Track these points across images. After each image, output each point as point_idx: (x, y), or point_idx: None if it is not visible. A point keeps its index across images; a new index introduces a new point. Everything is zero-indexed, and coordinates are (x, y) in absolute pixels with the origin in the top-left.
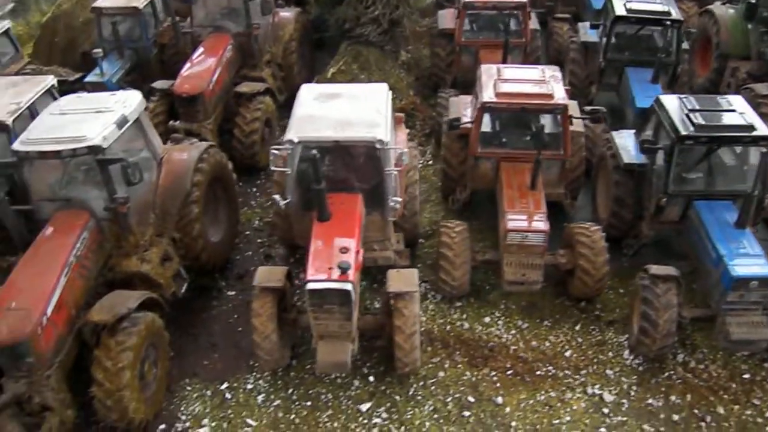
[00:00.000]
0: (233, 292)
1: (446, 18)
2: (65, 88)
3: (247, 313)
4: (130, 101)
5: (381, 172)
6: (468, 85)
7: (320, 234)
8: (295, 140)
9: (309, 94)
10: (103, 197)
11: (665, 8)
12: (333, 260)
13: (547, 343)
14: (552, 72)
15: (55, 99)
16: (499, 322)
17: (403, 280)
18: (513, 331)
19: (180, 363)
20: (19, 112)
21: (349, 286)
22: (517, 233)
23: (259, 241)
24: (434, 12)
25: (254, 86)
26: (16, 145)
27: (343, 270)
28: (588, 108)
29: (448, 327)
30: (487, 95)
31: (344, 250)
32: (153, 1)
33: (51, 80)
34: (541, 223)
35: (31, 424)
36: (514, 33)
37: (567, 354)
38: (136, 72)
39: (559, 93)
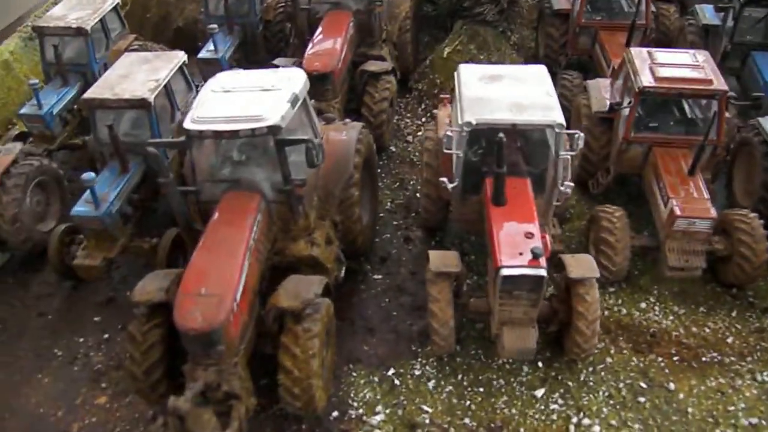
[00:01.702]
0: (379, 276)
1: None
2: None
3: (397, 296)
4: (295, 79)
5: (554, 156)
6: (583, 67)
7: (500, 219)
8: (473, 122)
9: (471, 75)
10: (275, 179)
11: None
12: (522, 245)
13: (707, 330)
14: (703, 57)
15: (185, 75)
16: (656, 308)
17: (582, 265)
18: (671, 317)
19: (340, 349)
20: (159, 89)
21: (543, 272)
22: (685, 219)
23: (395, 223)
24: None
25: (381, 65)
26: (188, 124)
27: (536, 255)
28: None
29: (606, 312)
30: (646, 80)
31: (529, 235)
32: None
33: (182, 56)
34: (708, 209)
35: (217, 412)
36: (637, 14)
37: (729, 341)
38: (242, 49)
39: (718, 78)
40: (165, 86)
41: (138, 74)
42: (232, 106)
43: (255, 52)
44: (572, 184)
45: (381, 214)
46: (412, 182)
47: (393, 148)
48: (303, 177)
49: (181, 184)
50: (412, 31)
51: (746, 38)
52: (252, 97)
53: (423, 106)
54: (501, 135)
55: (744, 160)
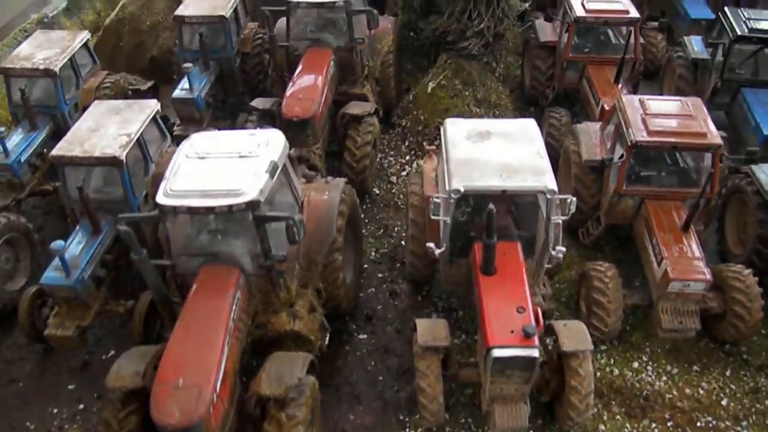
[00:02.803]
0: (364, 336)
1: (547, 30)
2: (137, 97)
3: (383, 358)
4: (274, 143)
5: (545, 220)
6: (570, 98)
7: (490, 290)
8: (462, 189)
9: (458, 132)
10: (255, 252)
11: None
12: (513, 322)
13: (701, 391)
14: (695, 104)
15: (158, 125)
16: (648, 368)
17: (575, 336)
18: (664, 378)
19: (325, 420)
20: (131, 144)
21: (535, 353)
22: (679, 282)
23: (379, 275)
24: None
25: (363, 107)
26: (161, 198)
27: (529, 335)
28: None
29: (599, 374)
30: (639, 133)
31: (521, 309)
32: (236, 8)
33: (155, 106)
34: (703, 272)
35: None
36: (626, 49)
37: (723, 403)
38: (218, 84)
39: (712, 130)
40: (138, 140)
41: (109, 127)
42: (208, 177)
43: (232, 87)
44: (564, 249)
45: (365, 266)
46: (396, 228)
47: (376, 190)
48: (284, 253)
49: None
50: (394, 66)
51: (736, 74)
52: (228, 166)
53: (407, 143)
54: (491, 207)
55: (736, 207)
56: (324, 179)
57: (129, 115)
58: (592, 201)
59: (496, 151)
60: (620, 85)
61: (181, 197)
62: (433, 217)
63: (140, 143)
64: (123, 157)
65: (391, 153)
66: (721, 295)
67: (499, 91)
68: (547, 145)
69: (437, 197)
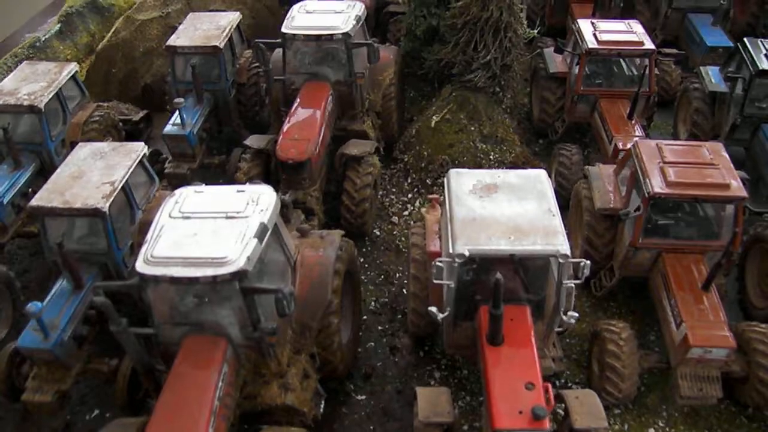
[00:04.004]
0: (362, 396)
1: (556, 60)
2: (129, 127)
3: (382, 422)
4: (264, 202)
5: (556, 284)
6: (581, 131)
7: (496, 363)
8: (467, 254)
9: (462, 185)
10: (244, 323)
11: None
12: (522, 401)
13: None
14: (716, 150)
15: (146, 168)
16: None
17: (588, 411)
18: None
19: None
20: (115, 194)
21: None
22: (700, 348)
23: (379, 328)
24: (528, 49)
25: (362, 147)
26: (141, 267)
27: (538, 417)
28: None
29: None
30: (657, 184)
31: (530, 385)
32: (231, 37)
33: (142, 149)
34: (726, 337)
35: None
36: (641, 82)
37: None
38: (213, 116)
39: (735, 181)
40: (122, 188)
41: (92, 174)
42: (191, 241)
43: (228, 120)
44: (577, 315)
45: (364, 317)
46: (398, 275)
47: (377, 232)
48: (274, 325)
49: None
50: (396, 98)
51: (757, 110)
52: (214, 229)
53: (409, 180)
54: (498, 276)
55: (758, 256)
56: (319, 233)
57: (114, 160)
58: (605, 250)
59: (503, 209)
60: (634, 121)
61: (162, 265)
62: (435, 281)
63: (125, 191)
64: (106, 209)
65: (393, 191)
66: (743, 356)
67: (506, 125)
68: (557, 184)
69: (440, 261)
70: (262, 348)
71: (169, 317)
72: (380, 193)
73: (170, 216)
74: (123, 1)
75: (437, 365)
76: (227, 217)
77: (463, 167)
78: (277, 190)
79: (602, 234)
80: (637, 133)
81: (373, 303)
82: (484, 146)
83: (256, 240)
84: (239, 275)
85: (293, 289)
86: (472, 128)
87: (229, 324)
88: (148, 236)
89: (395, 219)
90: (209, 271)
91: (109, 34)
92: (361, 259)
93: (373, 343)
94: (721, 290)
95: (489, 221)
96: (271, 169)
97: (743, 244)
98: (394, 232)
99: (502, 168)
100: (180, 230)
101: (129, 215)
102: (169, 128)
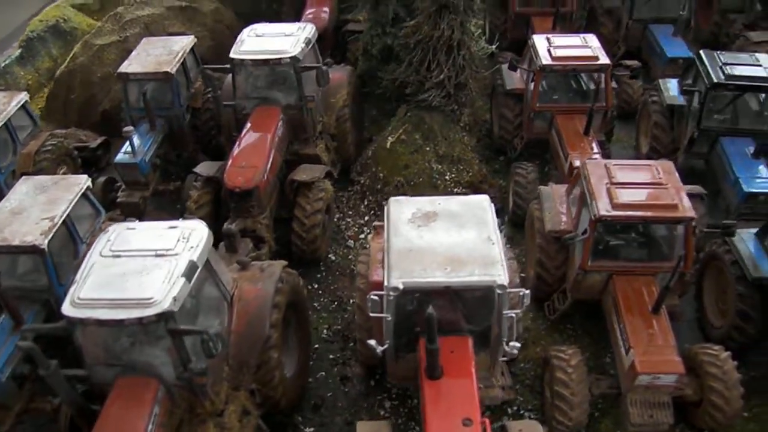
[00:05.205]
0: (311, 429)
1: (514, 77)
2: (86, 155)
3: None
4: (195, 238)
5: (496, 314)
6: (540, 147)
7: (435, 398)
8: (400, 287)
9: (401, 214)
10: (175, 362)
11: (766, 73)
12: None
13: None
14: (666, 170)
15: (90, 200)
16: None
17: None
18: None
19: None
20: (55, 229)
21: None
22: (648, 375)
23: (331, 356)
24: (490, 63)
25: (312, 173)
26: (67, 309)
27: None
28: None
29: None
30: (604, 207)
31: (467, 422)
32: (185, 61)
33: (85, 182)
34: (675, 362)
35: None
36: (596, 97)
37: None
38: (167, 143)
39: (684, 200)
40: (64, 222)
41: (32, 209)
42: (119, 281)
43: (182, 146)
44: (518, 345)
45: (316, 345)
46: (352, 301)
47: (332, 256)
48: (203, 365)
49: None
50: (351, 120)
51: (714, 124)
52: (143, 268)
53: (366, 203)
54: (430, 311)
55: (714, 275)
56: (260, 265)
57: (55, 194)
58: (557, 272)
59: (441, 238)
60: (590, 137)
61: (89, 308)
62: (371, 314)
63: (67, 225)
64: (44, 245)
65: (350, 213)
66: (696, 380)
67: (464, 143)
68: (514, 203)
69: (375, 294)
70: (195, 390)
71: (101, 358)
72: (336, 216)
73: (101, 255)
74: (86, 25)
75: (388, 394)
76: (157, 255)
77: (419, 188)
78: (227, 218)
79: (554, 256)
80: (594, 150)
81: (325, 331)
82: (440, 167)
83: (184, 279)
84: (165, 316)
85: (220, 330)
86: (428, 148)
87: (160, 364)
88: (78, 276)
89: (351, 243)
90: (135, 313)
91: (68, 59)
92: (315, 285)
93: (324, 373)
94: (676, 311)
95: (426, 252)
96: (222, 197)
97: (700, 262)
98: (350, 257)
99: (459, 188)
100: (109, 270)
101: (72, 250)
102: (120, 156)
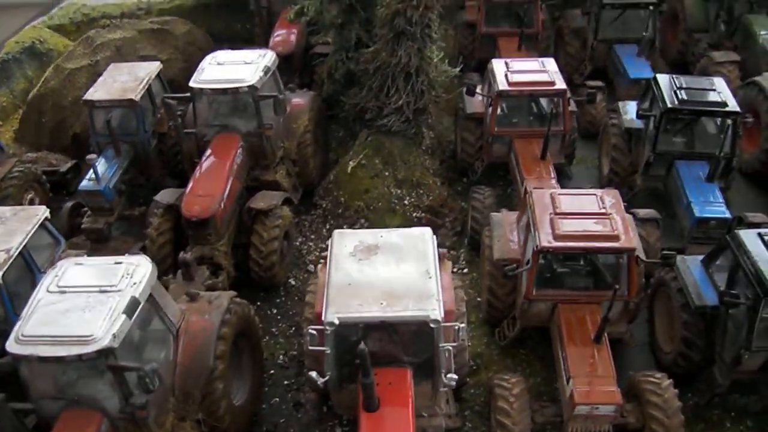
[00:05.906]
0: None
1: (474, 101)
2: (56, 178)
3: None
4: (138, 275)
5: (433, 347)
6: (504, 169)
7: (371, 429)
8: (336, 322)
9: (343, 247)
10: (118, 398)
11: (721, 98)
12: None
13: None
14: (611, 199)
15: (48, 230)
16: None
17: None
18: None
19: None
20: (10, 261)
21: None
22: (586, 405)
23: (285, 382)
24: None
25: (270, 200)
26: (11, 346)
27: None
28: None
29: None
30: (545, 238)
31: None
32: (150, 88)
33: (43, 212)
34: (613, 393)
35: None
36: (553, 122)
37: None
38: (134, 168)
39: (625, 232)
40: (20, 253)
41: None
42: (62, 318)
43: (149, 171)
44: (456, 377)
45: (271, 371)
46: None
47: (292, 281)
48: (143, 400)
49: None
50: (313, 145)
51: (669, 147)
52: (86, 304)
53: (328, 227)
54: (362, 347)
55: (663, 301)
56: (208, 296)
57: (12, 226)
58: (507, 299)
59: (380, 272)
60: (547, 161)
61: (31, 344)
62: (310, 348)
63: (24, 256)
64: None
65: (312, 237)
66: (639, 407)
67: (425, 167)
68: (471, 228)
69: (312, 329)
70: (138, 423)
71: (46, 392)
72: (299, 239)
73: (48, 290)
74: (62, 46)
75: (339, 421)
76: (101, 291)
77: (378, 213)
78: (186, 245)
79: (502, 284)
80: (550, 175)
81: (281, 356)
82: (399, 191)
83: (125, 316)
84: (105, 353)
85: (157, 366)
86: (387, 173)
87: (103, 398)
88: (24, 312)
89: (311, 267)
90: (75, 350)
91: (39, 83)
92: (274, 310)
93: (277, 399)
94: (625, 337)
95: (364, 286)
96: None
97: (651, 286)
98: (310, 281)
99: (418, 212)
100: (54, 306)
101: (29, 281)
102: (84, 183)
